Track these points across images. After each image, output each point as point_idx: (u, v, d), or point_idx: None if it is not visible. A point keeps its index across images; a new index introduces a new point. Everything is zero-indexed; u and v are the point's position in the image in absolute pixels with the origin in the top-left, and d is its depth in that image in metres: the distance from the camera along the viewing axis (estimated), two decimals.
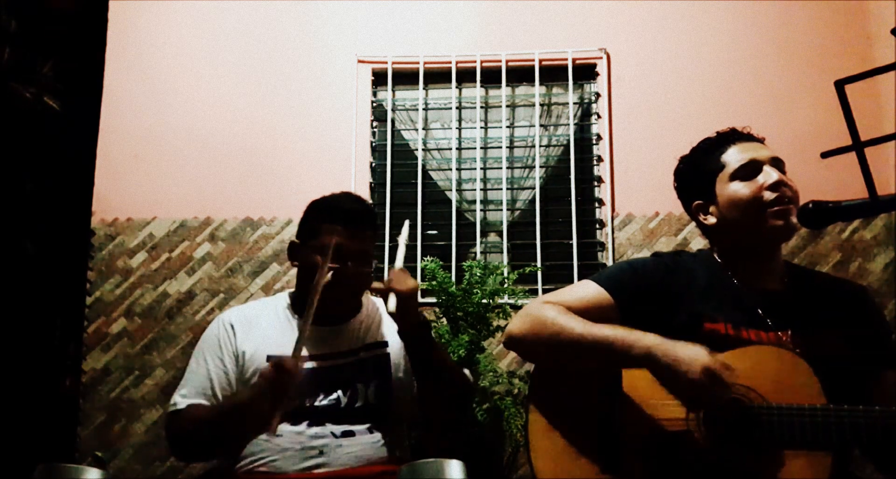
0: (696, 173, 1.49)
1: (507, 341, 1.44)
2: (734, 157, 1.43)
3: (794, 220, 1.36)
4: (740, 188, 1.40)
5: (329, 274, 1.58)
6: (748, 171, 1.40)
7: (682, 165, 1.54)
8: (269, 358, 1.61)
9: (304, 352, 1.62)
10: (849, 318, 1.39)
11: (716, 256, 1.49)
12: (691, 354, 1.22)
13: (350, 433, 1.57)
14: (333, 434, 1.56)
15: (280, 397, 1.40)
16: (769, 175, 1.38)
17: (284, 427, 1.54)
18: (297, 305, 1.73)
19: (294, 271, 1.76)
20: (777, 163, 1.41)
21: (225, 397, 1.59)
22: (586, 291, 1.44)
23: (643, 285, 1.43)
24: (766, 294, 1.41)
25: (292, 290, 1.80)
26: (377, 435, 1.60)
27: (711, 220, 1.46)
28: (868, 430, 1.19)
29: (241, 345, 1.64)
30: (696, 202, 1.49)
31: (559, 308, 1.38)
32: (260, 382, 1.42)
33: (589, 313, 1.39)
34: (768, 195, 1.37)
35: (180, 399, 1.59)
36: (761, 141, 1.47)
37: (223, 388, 1.61)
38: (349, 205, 1.70)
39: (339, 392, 1.60)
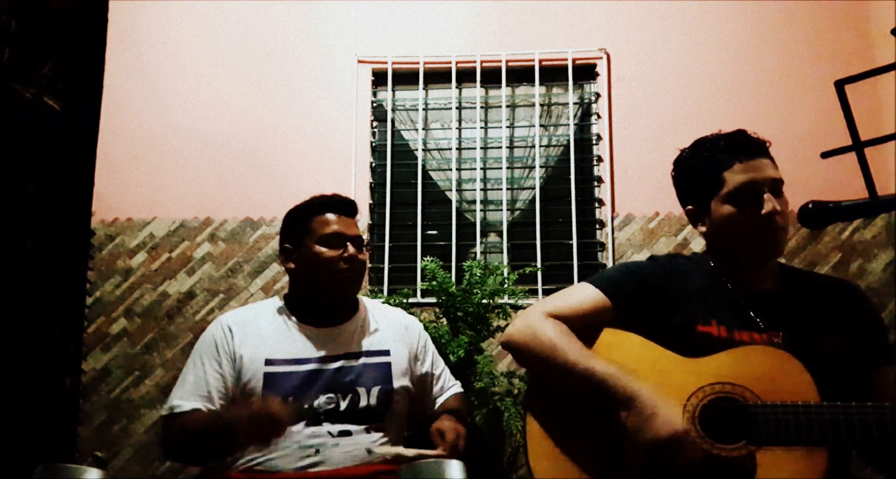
0: (693, 181, 1.47)
1: (504, 344, 1.46)
2: (734, 177, 1.39)
3: (784, 244, 1.38)
4: (735, 214, 1.39)
5: (336, 260, 1.66)
6: (746, 194, 1.38)
7: (683, 163, 1.51)
8: (267, 361, 1.63)
9: (304, 355, 1.65)
10: (841, 316, 1.39)
11: (710, 258, 1.50)
12: (668, 415, 1.24)
13: (347, 433, 1.58)
14: (330, 433, 1.57)
15: (263, 439, 1.47)
16: (766, 205, 1.36)
17: None
18: (293, 306, 1.75)
19: None
20: (776, 186, 1.39)
21: (219, 409, 1.61)
22: (585, 294, 1.45)
23: (639, 288, 1.44)
24: (758, 296, 1.42)
25: (285, 292, 1.82)
26: (375, 435, 1.61)
27: (703, 229, 1.47)
28: (862, 426, 1.20)
29: (238, 348, 1.65)
30: (690, 207, 1.49)
31: (560, 327, 1.38)
32: (247, 422, 1.44)
33: (587, 317, 1.41)
34: (762, 225, 1.36)
35: (177, 403, 1.60)
36: (766, 148, 1.43)
37: (220, 391, 1.62)
38: (333, 196, 1.76)
39: (339, 395, 1.61)
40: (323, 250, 1.67)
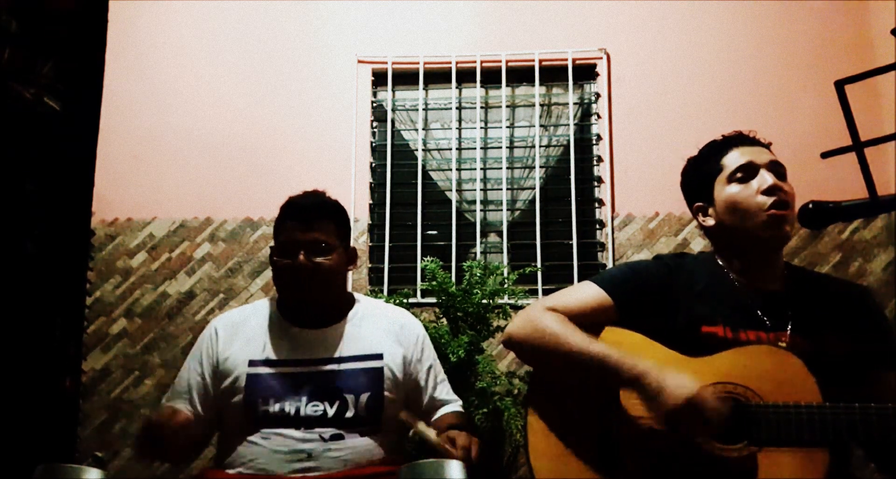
0: (696, 175, 1.51)
1: (505, 342, 1.46)
2: (732, 160, 1.43)
3: (788, 225, 1.37)
4: (735, 192, 1.41)
5: (286, 270, 1.63)
6: (744, 174, 1.41)
7: (686, 165, 1.55)
8: (251, 362, 1.62)
9: (287, 356, 1.64)
10: (848, 318, 1.39)
11: (717, 257, 1.50)
12: (678, 383, 1.23)
13: (339, 437, 1.55)
14: (322, 437, 1.54)
15: (152, 451, 1.49)
16: (764, 179, 1.38)
17: (273, 430, 1.55)
18: (283, 307, 1.73)
19: None
20: (775, 167, 1.41)
21: (199, 410, 1.64)
22: (587, 293, 1.44)
23: (643, 287, 1.44)
24: (765, 295, 1.41)
25: None
26: (367, 439, 1.58)
27: (710, 222, 1.48)
28: (864, 427, 1.20)
29: (222, 350, 1.65)
30: (697, 204, 1.50)
31: (560, 317, 1.39)
32: (140, 429, 1.49)
33: (589, 315, 1.41)
34: (762, 199, 1.37)
35: (164, 399, 1.68)
36: (766, 145, 1.47)
37: (199, 392, 1.64)
38: (297, 200, 1.71)
39: (326, 402, 1.58)
40: (276, 260, 1.65)
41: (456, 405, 1.73)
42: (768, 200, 1.36)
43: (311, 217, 1.66)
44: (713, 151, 1.48)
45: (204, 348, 1.68)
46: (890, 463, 1.31)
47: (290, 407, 1.56)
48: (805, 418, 1.22)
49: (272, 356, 1.63)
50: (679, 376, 1.25)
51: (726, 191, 1.42)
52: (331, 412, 1.57)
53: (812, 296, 1.42)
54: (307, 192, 1.74)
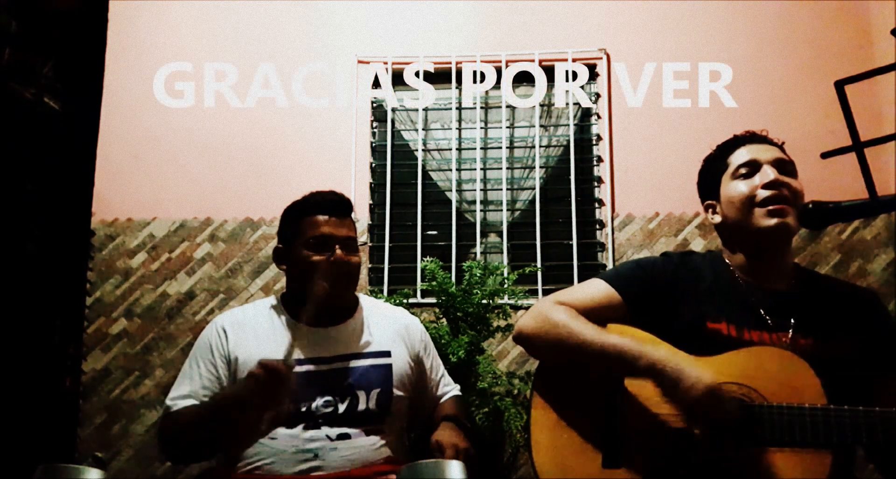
0: (706, 173, 1.53)
1: (515, 337, 1.46)
2: (738, 157, 1.45)
3: (791, 220, 1.36)
4: (737, 187, 1.42)
5: (323, 265, 1.61)
6: (747, 170, 1.42)
7: (701, 166, 1.57)
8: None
9: (300, 354, 1.61)
10: (855, 322, 1.38)
11: (724, 255, 1.50)
12: (696, 372, 1.24)
13: (346, 436, 1.56)
14: (328, 437, 1.55)
15: (268, 400, 1.42)
16: (766, 174, 1.39)
17: (280, 430, 1.54)
18: (289, 306, 1.71)
19: None
20: (780, 164, 1.42)
21: (214, 398, 1.58)
22: (596, 289, 1.45)
23: (651, 284, 1.44)
24: (771, 295, 1.41)
25: (283, 291, 1.78)
26: (374, 438, 1.59)
27: (717, 219, 1.49)
28: (867, 430, 1.19)
29: (233, 350, 1.62)
30: (707, 202, 1.52)
31: (571, 311, 1.39)
32: (249, 383, 1.42)
33: (598, 311, 1.41)
34: (762, 194, 1.38)
35: (171, 403, 1.59)
36: (777, 144, 1.48)
37: (215, 393, 1.60)
38: (325, 196, 1.71)
39: (337, 397, 1.58)
40: (310, 253, 1.63)
41: (454, 391, 1.82)
42: (767, 194, 1.37)
43: (342, 213, 1.68)
44: (723, 150, 1.50)
45: (214, 348, 1.64)
46: (892, 467, 1.31)
47: (303, 406, 1.56)
48: (809, 419, 1.22)
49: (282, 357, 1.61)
50: (695, 366, 1.25)
51: (729, 187, 1.44)
52: (342, 407, 1.58)
53: (819, 298, 1.42)
54: (321, 191, 1.73)
